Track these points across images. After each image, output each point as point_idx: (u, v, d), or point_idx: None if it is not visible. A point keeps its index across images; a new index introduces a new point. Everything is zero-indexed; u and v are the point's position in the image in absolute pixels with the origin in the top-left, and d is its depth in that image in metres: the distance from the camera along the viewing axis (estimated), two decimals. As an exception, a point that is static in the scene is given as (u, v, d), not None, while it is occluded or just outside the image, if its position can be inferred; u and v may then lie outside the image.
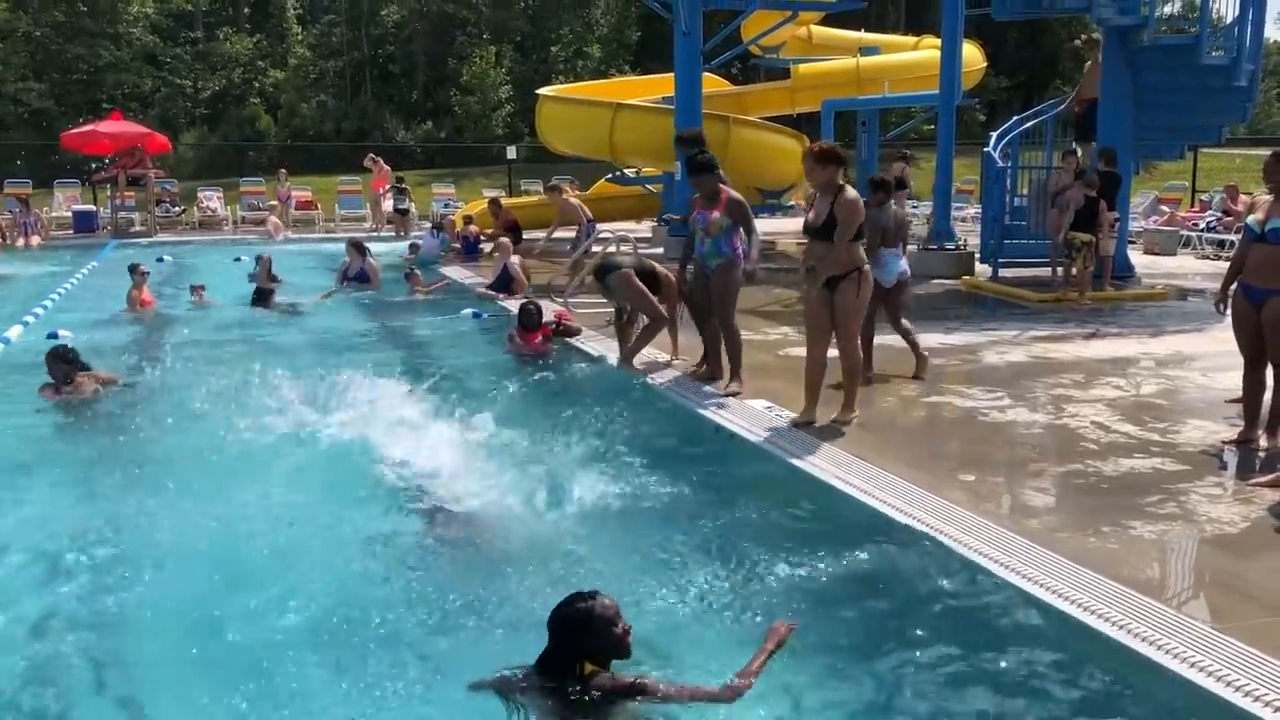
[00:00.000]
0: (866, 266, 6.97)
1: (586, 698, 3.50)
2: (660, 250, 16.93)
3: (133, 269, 13.18)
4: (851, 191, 6.84)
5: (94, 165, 23.49)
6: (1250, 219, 6.42)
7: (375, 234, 22.03)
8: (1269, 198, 6.32)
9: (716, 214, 7.93)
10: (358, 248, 14.67)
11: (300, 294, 13.87)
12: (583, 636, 3.60)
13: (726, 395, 7.81)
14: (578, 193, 20.78)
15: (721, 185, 8.04)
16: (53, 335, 10.33)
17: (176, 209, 24.81)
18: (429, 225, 19.52)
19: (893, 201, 8.73)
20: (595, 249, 13.32)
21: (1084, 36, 14.81)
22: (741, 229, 7.97)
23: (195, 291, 13.34)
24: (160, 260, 17.67)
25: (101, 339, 10.67)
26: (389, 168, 24.00)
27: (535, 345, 9.92)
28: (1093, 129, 13.82)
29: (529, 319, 9.92)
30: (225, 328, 11.82)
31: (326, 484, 5.94)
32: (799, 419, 7.01)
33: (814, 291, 6.92)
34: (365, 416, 6.84)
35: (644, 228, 19.83)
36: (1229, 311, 6.61)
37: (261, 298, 13.12)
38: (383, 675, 3.97)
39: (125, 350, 10.32)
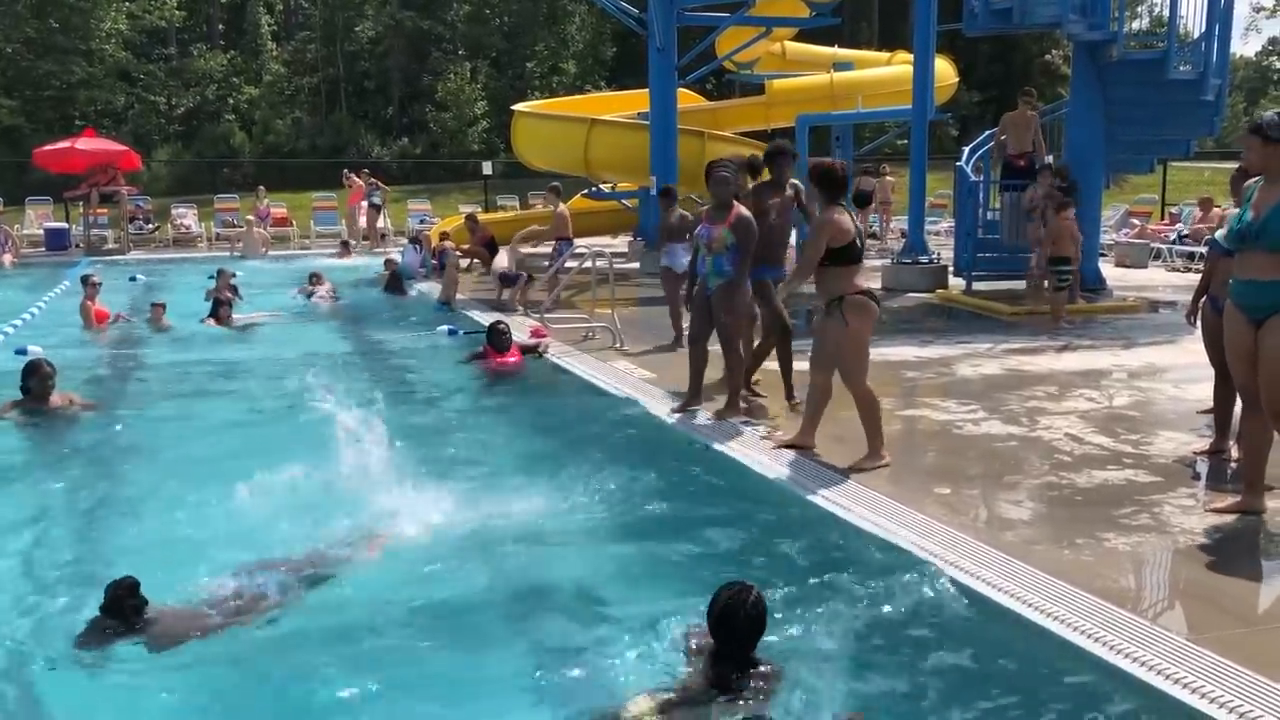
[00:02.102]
0: (857, 295, 6.33)
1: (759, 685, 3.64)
2: (636, 265, 17.02)
3: (84, 279, 13.04)
4: (742, 210, 6.64)
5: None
6: (1218, 234, 6.50)
7: (344, 250, 21.89)
8: (1236, 212, 6.39)
9: (721, 229, 7.42)
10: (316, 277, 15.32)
11: (266, 309, 13.98)
12: (763, 627, 3.73)
13: (718, 419, 7.56)
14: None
15: (736, 200, 7.58)
16: (21, 351, 10.18)
17: (150, 226, 24.64)
18: (406, 240, 19.58)
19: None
20: (570, 264, 13.31)
21: (1024, 89, 15.00)
22: (740, 251, 7.42)
23: (155, 310, 13.06)
24: (133, 279, 17.54)
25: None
26: (362, 183, 23.96)
27: (508, 364, 9.86)
28: (1022, 181, 13.79)
29: (499, 341, 9.83)
30: (185, 349, 11.66)
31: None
32: (795, 441, 6.78)
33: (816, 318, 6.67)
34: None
35: (620, 243, 19.86)
36: (1199, 324, 6.68)
37: (215, 310, 13.07)
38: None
39: (78, 373, 10.00)
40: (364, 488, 5.99)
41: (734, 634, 3.68)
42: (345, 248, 21.65)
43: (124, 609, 4.32)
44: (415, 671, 4.20)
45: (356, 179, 23.93)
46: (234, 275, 14.85)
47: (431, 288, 15.62)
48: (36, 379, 8.00)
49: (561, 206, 15.07)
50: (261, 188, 26.13)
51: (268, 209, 24.88)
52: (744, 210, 7.54)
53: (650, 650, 4.18)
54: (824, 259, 6.37)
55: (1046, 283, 12.25)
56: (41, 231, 23.40)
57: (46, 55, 37.40)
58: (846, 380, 6.51)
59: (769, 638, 3.94)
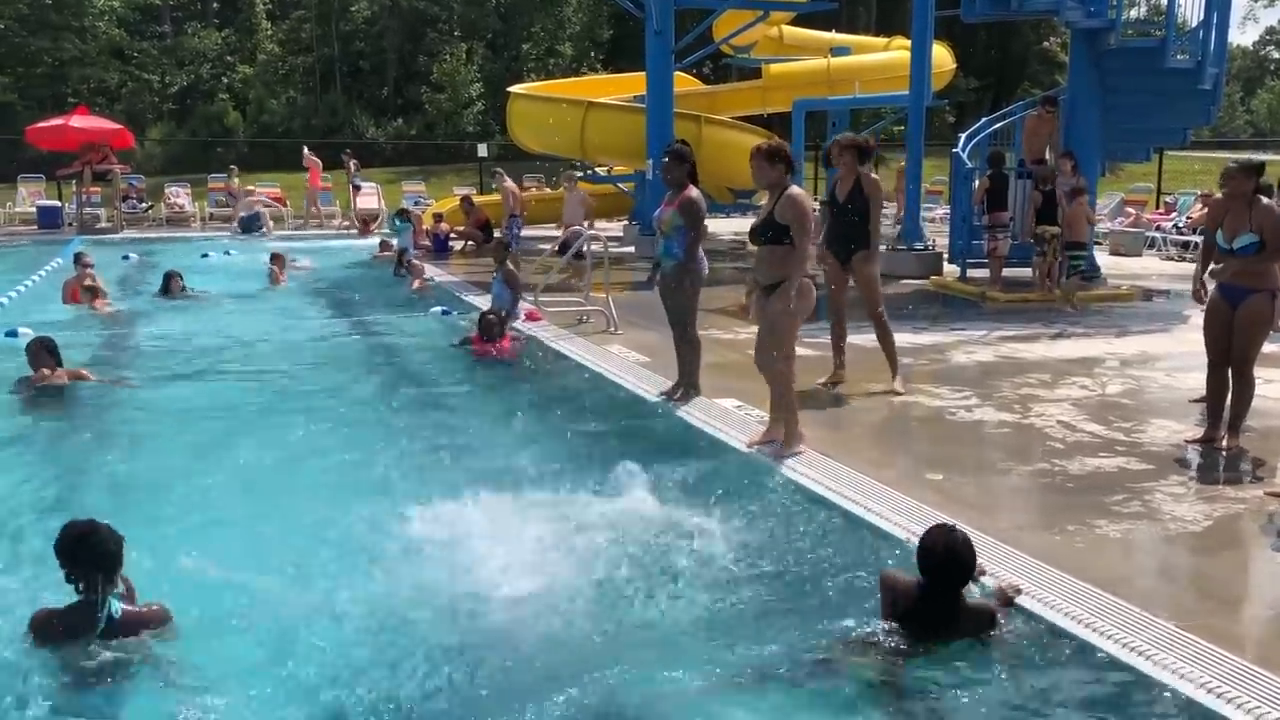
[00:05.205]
0: (806, 279, 6.15)
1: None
2: (632, 249, 16.99)
3: (77, 258, 12.73)
4: (796, 189, 6.24)
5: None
6: (1219, 235, 6.43)
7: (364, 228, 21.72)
8: (1225, 203, 6.41)
9: (670, 211, 7.32)
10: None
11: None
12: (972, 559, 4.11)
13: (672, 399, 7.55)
14: (546, 190, 20.84)
15: (689, 182, 7.35)
16: (12, 334, 10.11)
17: (143, 205, 24.53)
18: (393, 218, 19.64)
19: None
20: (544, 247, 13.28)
21: (1040, 95, 14.89)
22: (690, 233, 7.28)
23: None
24: (126, 258, 17.49)
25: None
26: (319, 161, 23.74)
27: (500, 349, 9.79)
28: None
29: (488, 329, 9.75)
30: (170, 322, 11.67)
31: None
32: (759, 439, 6.50)
33: (757, 301, 6.46)
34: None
35: (615, 226, 19.82)
36: (1201, 308, 6.67)
37: (166, 286, 13.17)
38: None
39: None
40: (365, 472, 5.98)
41: (944, 571, 4.03)
42: (365, 225, 21.51)
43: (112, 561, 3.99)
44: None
45: (314, 158, 23.64)
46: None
47: (430, 270, 15.56)
48: (36, 355, 8.02)
49: (508, 182, 15.33)
50: (233, 167, 26.16)
51: (239, 189, 24.54)
52: (694, 192, 7.33)
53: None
54: (773, 239, 6.16)
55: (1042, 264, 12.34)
56: (34, 209, 23.31)
57: (39, 32, 37.15)
58: (770, 362, 6.29)
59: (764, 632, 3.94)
